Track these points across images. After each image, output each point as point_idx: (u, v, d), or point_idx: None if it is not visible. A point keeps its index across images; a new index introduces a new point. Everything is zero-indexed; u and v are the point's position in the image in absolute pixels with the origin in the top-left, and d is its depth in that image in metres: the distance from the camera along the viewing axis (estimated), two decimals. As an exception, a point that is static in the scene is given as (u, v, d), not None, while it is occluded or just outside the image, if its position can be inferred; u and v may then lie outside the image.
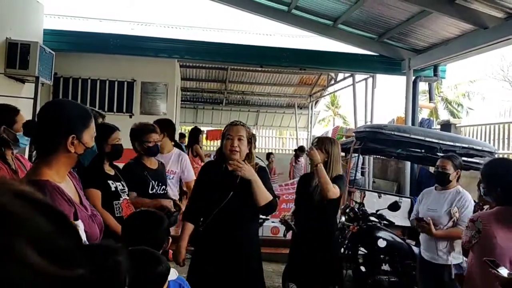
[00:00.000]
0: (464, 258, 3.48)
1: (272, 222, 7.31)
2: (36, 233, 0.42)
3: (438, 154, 4.67)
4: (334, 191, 3.27)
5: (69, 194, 1.71)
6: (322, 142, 3.51)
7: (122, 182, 3.07)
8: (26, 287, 0.38)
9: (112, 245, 0.52)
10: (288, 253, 3.70)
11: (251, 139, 2.79)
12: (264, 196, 2.69)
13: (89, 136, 1.77)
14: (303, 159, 10.66)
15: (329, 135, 11.07)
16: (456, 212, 3.45)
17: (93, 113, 1.93)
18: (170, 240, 2.04)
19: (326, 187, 3.23)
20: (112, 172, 3.05)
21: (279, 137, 15.97)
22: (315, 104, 13.66)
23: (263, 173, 2.84)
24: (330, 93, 13.72)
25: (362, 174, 8.51)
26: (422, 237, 3.70)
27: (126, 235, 1.96)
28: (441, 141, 4.68)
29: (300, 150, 10.74)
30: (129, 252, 1.20)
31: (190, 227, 2.78)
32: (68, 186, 1.80)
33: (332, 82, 11.17)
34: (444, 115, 21.33)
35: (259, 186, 2.66)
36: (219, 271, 2.56)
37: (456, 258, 3.46)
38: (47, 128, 1.72)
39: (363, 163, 8.58)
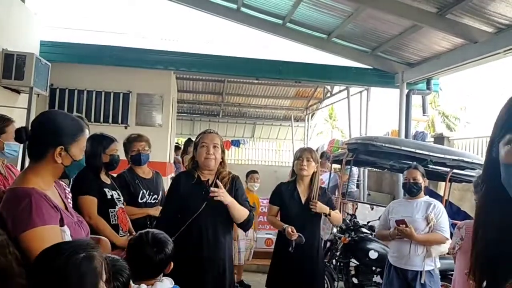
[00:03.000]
0: (437, 265, 3.52)
1: (266, 234, 7.29)
2: None
3: (429, 166, 4.70)
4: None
5: (55, 201, 1.75)
6: (311, 152, 3.59)
7: (117, 191, 3.16)
8: None
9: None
10: (272, 262, 3.63)
11: (224, 148, 2.86)
12: (241, 214, 2.73)
13: (78, 149, 1.81)
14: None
15: (325, 147, 11.12)
16: (433, 218, 3.48)
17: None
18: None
19: (340, 221, 3.78)
20: (108, 181, 3.14)
21: (277, 149, 15.92)
22: (312, 116, 13.71)
23: (237, 182, 2.88)
24: (326, 105, 13.79)
25: (357, 186, 8.53)
26: (393, 244, 3.67)
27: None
28: (431, 153, 4.71)
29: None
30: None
31: None
32: (54, 194, 1.84)
33: (328, 95, 11.24)
34: (441, 128, 21.42)
35: (235, 207, 2.69)
36: (194, 281, 2.54)
37: (429, 264, 3.48)
38: (37, 137, 1.78)
39: (358, 176, 8.60)
